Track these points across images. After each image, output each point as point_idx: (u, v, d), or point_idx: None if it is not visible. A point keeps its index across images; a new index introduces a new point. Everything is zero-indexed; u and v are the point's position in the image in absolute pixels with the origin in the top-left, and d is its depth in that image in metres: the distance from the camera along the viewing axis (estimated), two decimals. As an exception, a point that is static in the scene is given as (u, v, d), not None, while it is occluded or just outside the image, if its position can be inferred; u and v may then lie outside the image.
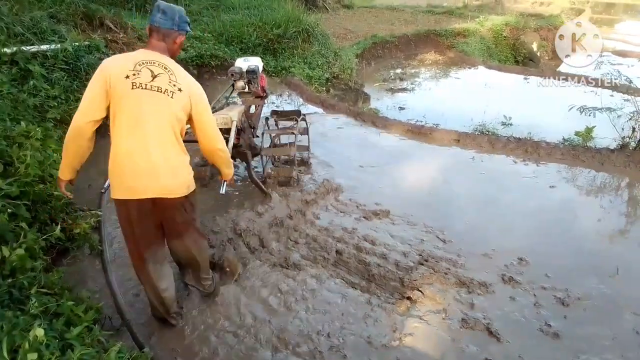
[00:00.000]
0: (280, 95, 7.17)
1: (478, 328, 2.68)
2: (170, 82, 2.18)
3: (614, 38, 16.14)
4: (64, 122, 4.46)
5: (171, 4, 2.27)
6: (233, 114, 3.71)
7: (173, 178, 2.23)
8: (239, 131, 3.82)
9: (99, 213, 3.59)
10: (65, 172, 2.35)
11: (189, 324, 2.65)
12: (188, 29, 2.37)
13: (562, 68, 12.34)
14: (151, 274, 2.39)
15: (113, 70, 2.11)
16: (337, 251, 3.31)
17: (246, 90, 4.17)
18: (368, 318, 2.74)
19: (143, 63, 2.16)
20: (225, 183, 2.85)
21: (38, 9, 5.09)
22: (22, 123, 3.34)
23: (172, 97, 2.18)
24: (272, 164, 4.63)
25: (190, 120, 2.31)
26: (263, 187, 3.96)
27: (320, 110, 6.56)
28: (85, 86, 4.67)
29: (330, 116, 6.36)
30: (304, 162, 4.71)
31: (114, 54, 5.41)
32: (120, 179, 2.20)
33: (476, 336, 2.63)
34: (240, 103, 4.18)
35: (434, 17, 15.43)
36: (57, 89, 4.43)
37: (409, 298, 2.90)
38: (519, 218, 3.88)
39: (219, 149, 2.45)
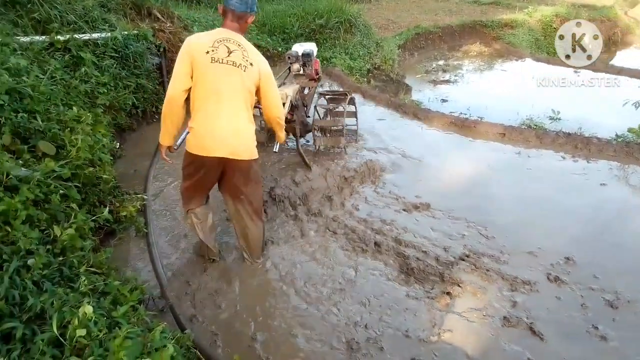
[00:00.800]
0: (322, 85, 7.14)
1: (521, 327, 2.60)
2: (243, 58, 2.52)
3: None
4: (113, 108, 4.61)
5: None
6: (288, 91, 4.09)
7: (240, 142, 2.61)
8: (293, 107, 4.22)
9: (145, 197, 3.70)
10: (165, 139, 2.75)
11: (228, 305, 2.70)
12: (256, 8, 2.67)
13: (615, 61, 11.78)
14: (197, 214, 2.88)
15: (195, 46, 2.47)
16: (375, 243, 3.29)
17: (301, 72, 4.59)
18: (407, 311, 2.70)
19: (220, 40, 2.49)
20: (278, 143, 3.53)
21: (90, -2, 5.25)
22: (74, 108, 3.46)
23: (244, 71, 2.52)
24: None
25: (257, 92, 2.66)
26: (306, 159, 4.20)
27: (361, 100, 6.49)
28: (133, 74, 4.82)
29: (370, 107, 6.30)
30: (353, 140, 4.93)
31: (161, 43, 5.56)
32: (197, 139, 2.59)
33: (518, 335, 2.55)
34: (295, 83, 4.52)
35: (480, 7, 14.99)
36: (107, 76, 4.57)
37: (448, 293, 2.84)
38: (566, 216, 3.72)
39: (279, 117, 2.86)
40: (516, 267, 3.09)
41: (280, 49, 7.88)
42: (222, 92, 2.49)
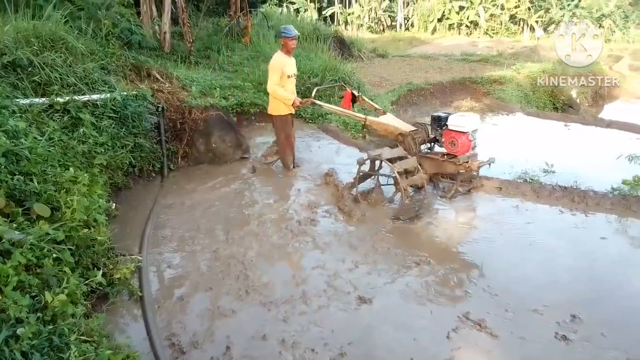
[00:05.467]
0: (318, 139, 7.23)
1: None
2: None
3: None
4: (110, 168, 4.62)
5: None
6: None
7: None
8: None
9: (139, 258, 3.62)
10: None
11: None
12: (282, 35, 5.34)
13: (604, 115, 12.07)
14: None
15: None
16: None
17: None
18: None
19: None
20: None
21: (90, 61, 5.38)
22: (71, 169, 3.46)
23: None
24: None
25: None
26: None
27: (358, 155, 6.54)
28: (132, 133, 4.87)
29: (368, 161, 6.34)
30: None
31: (160, 102, 5.67)
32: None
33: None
34: None
35: (469, 64, 15.49)
36: (105, 136, 4.61)
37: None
38: (569, 271, 3.66)
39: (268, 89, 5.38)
40: (522, 327, 3.00)
41: (276, 107, 8.04)
42: None
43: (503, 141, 8.30)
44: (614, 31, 34.82)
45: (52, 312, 2.29)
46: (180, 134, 5.82)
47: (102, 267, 3.11)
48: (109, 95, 4.99)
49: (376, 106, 5.65)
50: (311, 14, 31.72)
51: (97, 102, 4.85)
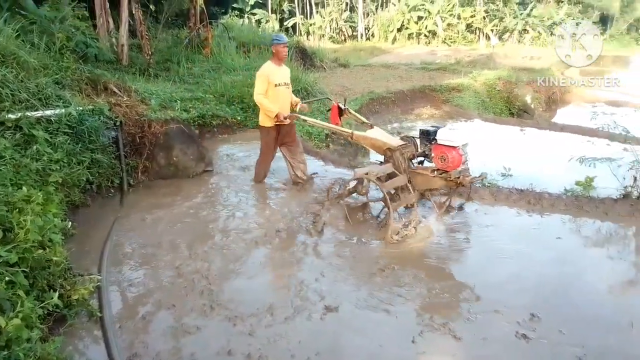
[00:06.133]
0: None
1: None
2: None
3: (606, 89, 16.56)
4: (66, 185, 4.47)
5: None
6: None
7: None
8: None
9: (98, 277, 3.52)
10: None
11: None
12: (274, 42, 5.30)
13: (557, 119, 12.58)
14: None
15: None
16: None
17: None
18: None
19: None
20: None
21: (44, 75, 5.22)
22: (24, 188, 3.33)
23: None
24: None
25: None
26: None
27: (321, 164, 6.58)
28: (88, 149, 4.74)
29: (329, 170, 6.39)
30: None
31: (117, 117, 5.54)
32: None
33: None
34: None
35: (428, 73, 15.89)
36: (60, 152, 4.46)
37: None
38: (527, 272, 3.79)
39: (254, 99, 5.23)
40: (484, 327, 3.08)
41: (239, 118, 8.01)
42: None
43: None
44: (564, 39, 36.46)
45: (6, 338, 2.19)
46: (140, 148, 5.69)
47: (58, 289, 3.00)
48: (63, 110, 4.84)
49: (363, 119, 5.47)
50: (273, 24, 31.86)
51: (52, 118, 4.69)
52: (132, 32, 10.87)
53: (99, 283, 3.46)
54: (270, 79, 5.13)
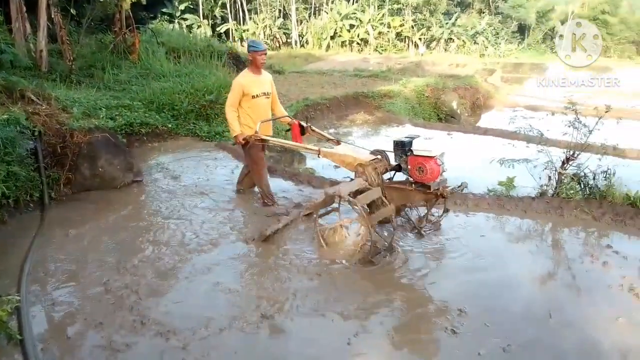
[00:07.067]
0: (215, 159, 7.11)
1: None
2: None
3: (525, 94, 17.77)
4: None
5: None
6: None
7: None
8: None
9: (17, 298, 3.27)
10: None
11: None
12: (251, 49, 4.85)
13: (481, 123, 13.32)
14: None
15: None
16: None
17: None
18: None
19: None
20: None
21: (-49, 83, 4.83)
22: None
23: None
24: None
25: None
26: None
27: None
28: (4, 161, 4.44)
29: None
30: None
31: (36, 126, 5.21)
32: None
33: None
34: None
35: (361, 80, 16.29)
36: (-31, 165, 4.13)
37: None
38: (454, 269, 3.98)
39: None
40: (415, 325, 3.20)
41: (170, 126, 7.79)
42: None
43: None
44: (487, 47, 38.81)
45: None
46: (62, 160, 5.37)
47: (-31, 314, 2.77)
48: (-27, 120, 4.49)
49: (328, 136, 5.25)
50: (205, 30, 31.31)
51: (-40, 129, 4.34)
52: (52, 37, 10.27)
53: (17, 304, 3.22)
54: (247, 89, 4.78)
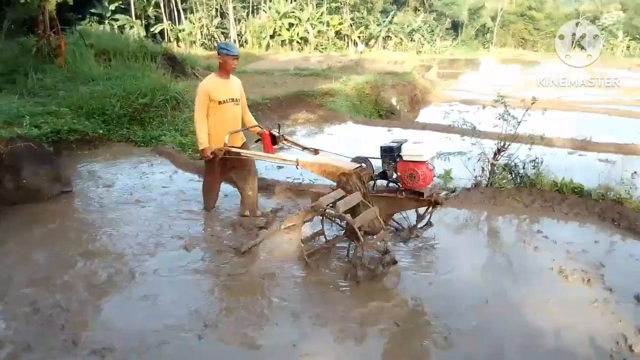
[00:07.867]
0: (152, 165, 6.83)
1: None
2: None
3: (460, 89, 18.48)
4: None
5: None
6: None
7: None
8: None
9: None
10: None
11: None
12: (222, 52, 4.47)
13: (420, 118, 13.70)
14: None
15: None
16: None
17: None
18: None
19: None
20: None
21: None
22: None
23: None
24: None
25: None
26: None
27: (195, 177, 6.34)
28: None
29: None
30: None
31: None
32: None
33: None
34: None
35: (302, 79, 16.28)
36: None
37: None
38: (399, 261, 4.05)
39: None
40: (364, 319, 3.21)
41: (101, 132, 7.41)
42: None
43: (338, 149, 8.86)
44: (423, 44, 40.03)
45: None
46: (-20, 172, 4.98)
47: None
48: None
49: (304, 145, 4.84)
50: (138, 30, 30.15)
51: None
52: (-32, 41, 9.54)
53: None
54: (213, 95, 4.43)
